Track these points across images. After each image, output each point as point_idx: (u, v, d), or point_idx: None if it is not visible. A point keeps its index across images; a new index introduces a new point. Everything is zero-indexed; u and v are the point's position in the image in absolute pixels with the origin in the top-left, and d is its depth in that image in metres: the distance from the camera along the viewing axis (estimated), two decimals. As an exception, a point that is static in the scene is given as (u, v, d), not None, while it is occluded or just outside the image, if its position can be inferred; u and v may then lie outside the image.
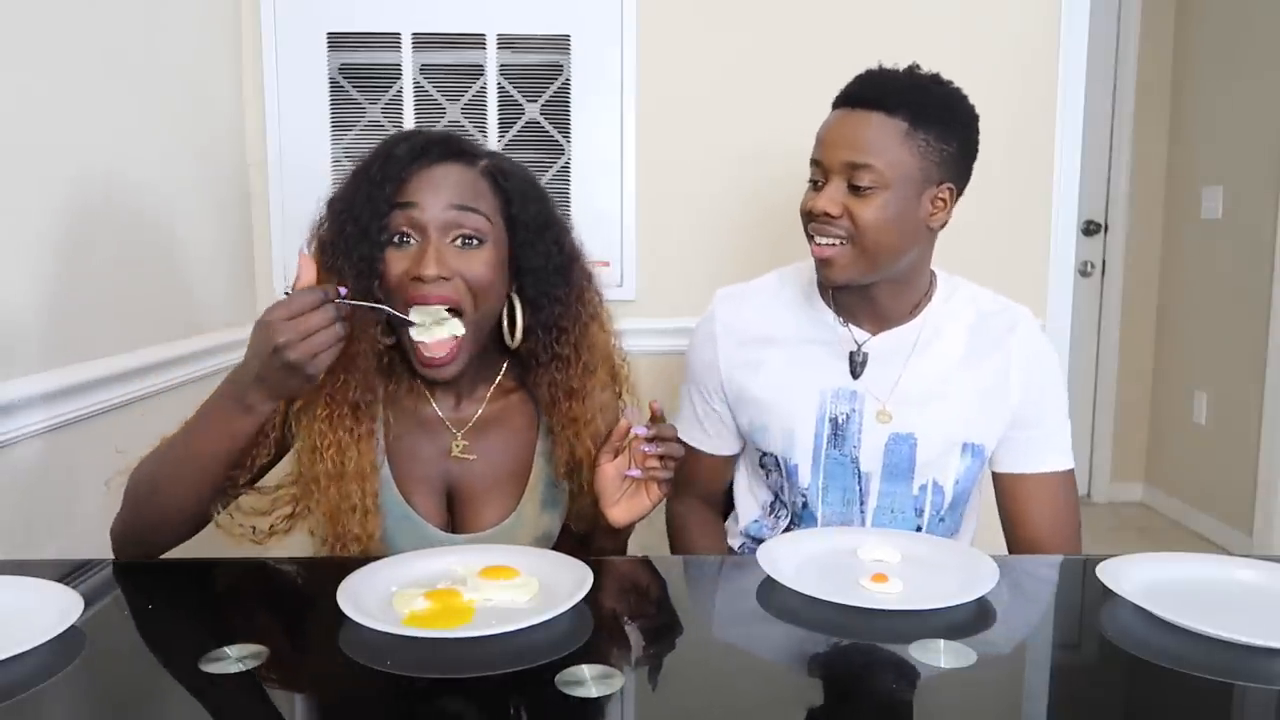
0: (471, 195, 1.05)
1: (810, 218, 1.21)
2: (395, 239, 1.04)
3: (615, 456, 1.11)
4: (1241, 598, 0.93)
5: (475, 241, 1.05)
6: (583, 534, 1.23)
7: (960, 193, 1.24)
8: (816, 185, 1.22)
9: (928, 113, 1.17)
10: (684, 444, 1.35)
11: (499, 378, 1.18)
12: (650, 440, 1.06)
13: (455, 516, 1.15)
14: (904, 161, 1.16)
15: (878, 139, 1.16)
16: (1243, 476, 3.26)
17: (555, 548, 1.23)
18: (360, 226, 1.02)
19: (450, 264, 1.03)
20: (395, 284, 1.04)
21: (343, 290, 0.94)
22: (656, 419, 1.08)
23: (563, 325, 1.12)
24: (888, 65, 1.23)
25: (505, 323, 1.12)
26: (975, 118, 1.23)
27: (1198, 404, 3.57)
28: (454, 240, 1.05)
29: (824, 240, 1.20)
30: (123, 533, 1.06)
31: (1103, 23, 3.53)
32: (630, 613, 0.98)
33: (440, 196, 1.03)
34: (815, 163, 1.22)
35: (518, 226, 1.09)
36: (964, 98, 1.23)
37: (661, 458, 1.07)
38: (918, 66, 1.23)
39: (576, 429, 1.13)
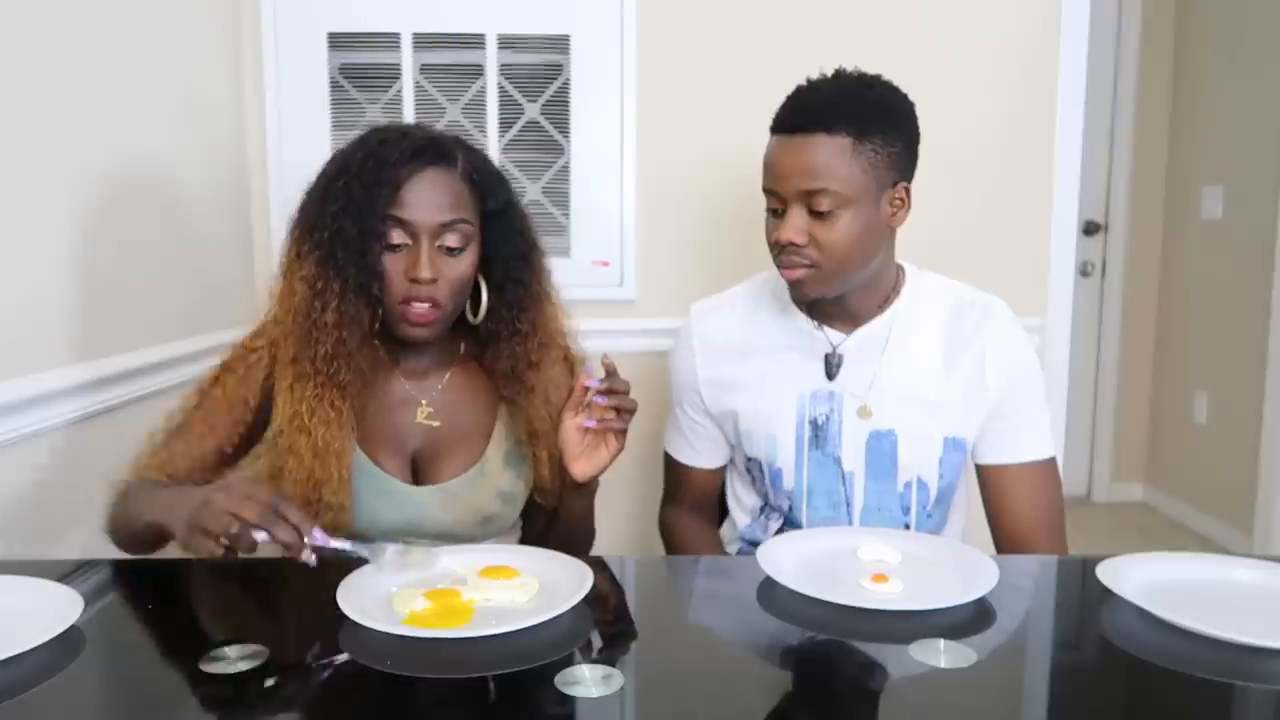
0: (456, 205, 1.13)
1: (777, 248, 1.20)
2: (391, 246, 1.12)
3: (575, 414, 1.16)
4: (1241, 598, 0.93)
5: (460, 249, 1.14)
6: (552, 507, 1.27)
7: (910, 181, 1.22)
8: (776, 213, 1.21)
9: (868, 121, 1.16)
10: (671, 457, 1.39)
11: (460, 351, 1.25)
12: (604, 393, 1.11)
13: (420, 474, 1.21)
14: (857, 176, 1.16)
15: (827, 161, 1.15)
16: (1243, 476, 3.25)
17: (526, 521, 1.29)
18: (359, 229, 1.10)
19: (439, 267, 1.12)
20: (393, 283, 1.12)
21: (318, 536, 0.95)
22: (610, 373, 1.13)
23: (523, 305, 1.20)
24: (814, 76, 1.21)
25: (468, 302, 1.19)
26: (911, 107, 1.22)
27: (1198, 404, 3.57)
28: (441, 246, 1.13)
29: (794, 266, 1.19)
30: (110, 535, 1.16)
31: (1103, 23, 3.53)
32: (630, 613, 0.98)
33: (430, 210, 1.12)
34: (770, 192, 1.21)
35: (490, 218, 1.17)
36: (894, 90, 1.21)
37: (617, 410, 1.12)
38: (843, 70, 1.22)
39: (532, 399, 1.20)
